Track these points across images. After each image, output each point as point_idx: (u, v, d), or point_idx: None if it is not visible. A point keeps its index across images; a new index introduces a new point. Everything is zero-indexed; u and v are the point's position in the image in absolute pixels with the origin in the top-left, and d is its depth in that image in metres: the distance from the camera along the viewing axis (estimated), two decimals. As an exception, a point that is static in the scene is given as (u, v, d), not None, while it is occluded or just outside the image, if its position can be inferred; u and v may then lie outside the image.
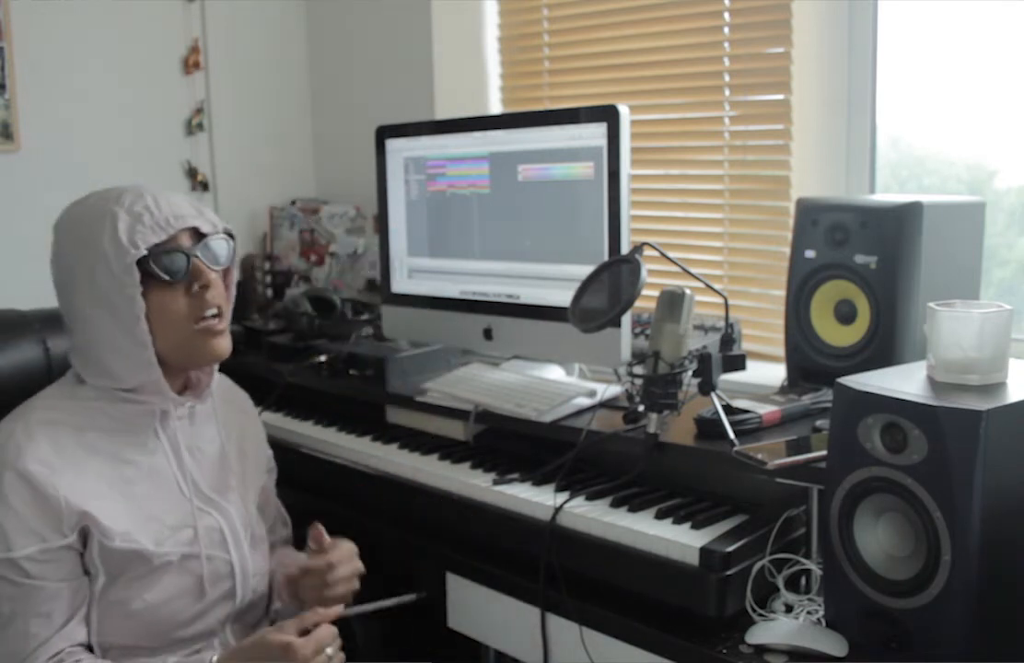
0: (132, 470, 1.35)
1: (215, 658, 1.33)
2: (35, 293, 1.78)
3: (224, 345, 1.38)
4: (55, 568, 1.27)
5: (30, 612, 1.26)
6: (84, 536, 1.29)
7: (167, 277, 1.31)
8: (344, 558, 1.44)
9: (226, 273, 1.42)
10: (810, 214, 1.63)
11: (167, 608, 1.34)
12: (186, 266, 1.33)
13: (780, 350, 1.73)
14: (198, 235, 1.35)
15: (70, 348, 1.39)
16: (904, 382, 1.21)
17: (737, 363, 1.53)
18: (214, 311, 1.36)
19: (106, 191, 1.36)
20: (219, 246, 1.38)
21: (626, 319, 1.70)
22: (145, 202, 1.31)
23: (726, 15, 2.06)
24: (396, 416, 1.98)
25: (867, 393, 1.20)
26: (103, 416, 1.35)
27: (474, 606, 1.61)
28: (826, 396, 1.52)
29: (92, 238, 1.30)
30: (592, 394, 1.75)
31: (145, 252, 1.28)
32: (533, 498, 1.55)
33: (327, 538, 1.44)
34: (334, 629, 1.31)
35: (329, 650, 1.29)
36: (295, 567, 1.47)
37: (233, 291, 1.44)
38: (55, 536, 1.27)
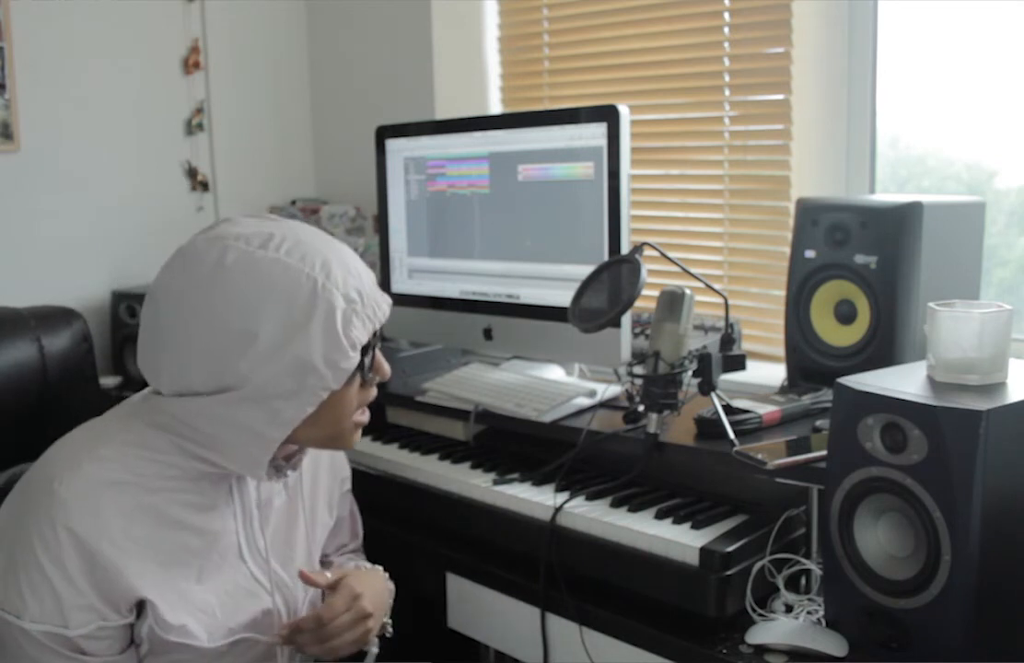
0: (196, 541, 1.19)
1: None
2: (34, 292, 1.78)
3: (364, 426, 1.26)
4: (109, 645, 1.15)
5: None
6: (140, 609, 1.16)
7: (367, 379, 1.20)
8: (338, 610, 1.26)
9: None
10: (810, 214, 1.63)
11: None
12: (371, 365, 1.21)
13: (780, 350, 1.73)
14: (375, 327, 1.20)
15: (168, 376, 1.16)
16: (904, 382, 1.21)
17: (737, 363, 1.53)
18: (374, 393, 1.25)
19: (297, 242, 1.14)
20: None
21: (626, 319, 1.70)
22: (354, 284, 1.15)
23: (726, 15, 2.06)
24: (396, 416, 1.98)
25: (867, 393, 1.20)
26: (175, 472, 1.17)
27: (474, 606, 1.61)
28: (826, 396, 1.52)
29: (295, 311, 1.11)
30: (592, 394, 1.75)
31: (358, 358, 1.14)
32: (533, 498, 1.55)
33: (317, 580, 1.28)
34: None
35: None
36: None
37: None
38: (114, 615, 1.13)
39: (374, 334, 1.20)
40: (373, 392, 1.25)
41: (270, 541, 1.28)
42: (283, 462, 1.27)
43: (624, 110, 1.71)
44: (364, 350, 1.18)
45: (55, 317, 1.64)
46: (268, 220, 1.21)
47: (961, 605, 1.12)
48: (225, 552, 1.23)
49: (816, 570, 1.36)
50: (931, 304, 1.25)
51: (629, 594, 1.40)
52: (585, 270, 1.60)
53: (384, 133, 2.12)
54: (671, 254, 1.59)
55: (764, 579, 1.35)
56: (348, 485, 1.53)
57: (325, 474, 1.44)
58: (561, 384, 1.83)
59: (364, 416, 1.25)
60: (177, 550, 1.18)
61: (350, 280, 1.15)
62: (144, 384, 1.25)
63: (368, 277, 1.20)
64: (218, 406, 1.13)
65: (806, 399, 1.57)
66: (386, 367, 1.24)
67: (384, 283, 2.16)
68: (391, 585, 1.44)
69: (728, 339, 1.54)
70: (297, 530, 1.34)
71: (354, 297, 1.15)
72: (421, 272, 2.09)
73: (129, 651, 1.18)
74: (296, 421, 1.14)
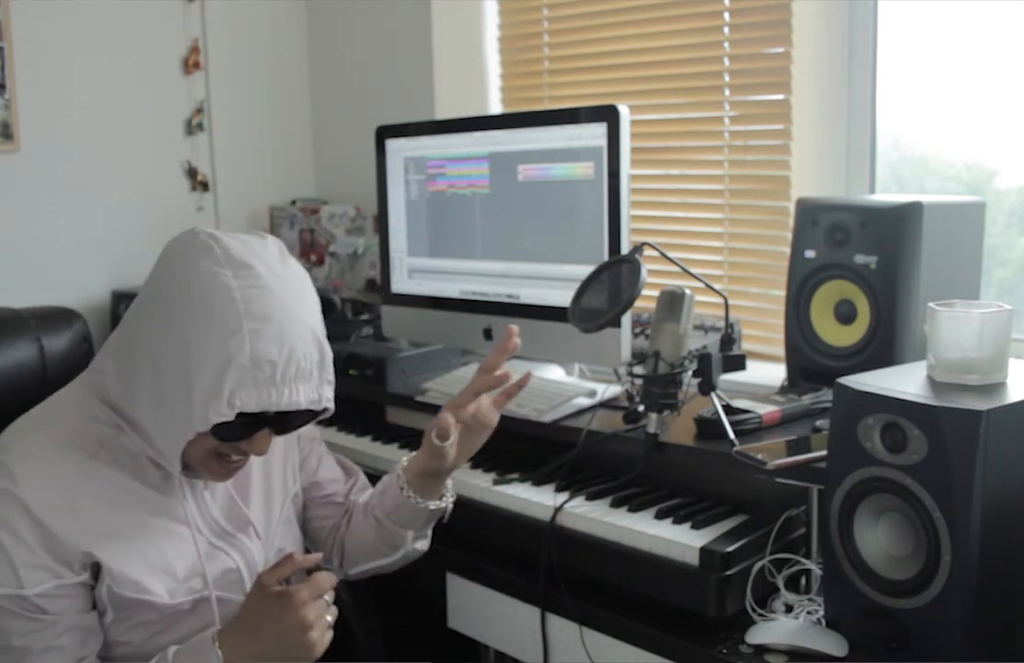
0: (146, 511, 1.25)
1: (215, 631, 1.22)
2: (34, 292, 1.78)
3: (224, 479, 1.29)
4: (70, 603, 1.20)
5: (46, 647, 1.18)
6: (96, 572, 1.21)
7: (225, 438, 1.20)
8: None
9: None
10: (810, 214, 1.63)
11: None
12: (250, 435, 1.21)
13: (780, 350, 1.73)
14: (271, 424, 1.22)
15: (115, 360, 1.26)
16: (904, 382, 1.21)
17: (737, 363, 1.53)
18: (242, 462, 1.27)
19: (260, 290, 1.16)
20: (301, 418, 1.24)
21: (626, 319, 1.70)
22: (275, 358, 1.14)
23: (726, 15, 2.06)
24: (396, 416, 1.98)
25: (867, 393, 1.20)
26: (119, 447, 1.24)
27: (474, 606, 1.61)
28: (826, 396, 1.52)
29: (199, 334, 1.14)
30: (592, 394, 1.75)
31: (232, 417, 1.14)
32: (533, 498, 1.55)
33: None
34: (332, 576, 1.25)
35: (327, 597, 1.24)
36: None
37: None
38: (68, 573, 1.18)
39: (269, 414, 1.18)
40: (233, 459, 1.25)
41: (223, 508, 1.34)
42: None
43: (624, 110, 1.71)
44: (233, 431, 1.18)
45: (55, 317, 1.64)
46: (267, 245, 1.22)
47: (961, 605, 1.12)
48: (174, 522, 1.28)
49: (816, 570, 1.36)
50: (931, 304, 1.25)
51: (629, 594, 1.40)
52: (585, 270, 1.60)
53: (384, 133, 2.12)
54: (671, 254, 1.59)
55: (764, 579, 1.35)
56: (308, 437, 1.52)
57: (279, 440, 1.40)
58: (561, 384, 1.83)
59: (232, 468, 1.26)
60: (125, 515, 1.23)
61: (275, 347, 1.14)
62: None
63: (307, 362, 1.18)
64: (141, 393, 1.20)
65: (806, 399, 1.57)
66: (264, 446, 1.23)
67: (384, 283, 2.16)
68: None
69: (728, 339, 1.54)
70: (251, 502, 1.38)
71: (263, 366, 1.13)
72: (421, 272, 2.09)
73: (93, 613, 1.23)
74: (181, 437, 1.17)
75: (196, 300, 1.15)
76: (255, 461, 1.37)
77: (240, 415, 1.14)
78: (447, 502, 1.47)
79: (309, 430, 1.52)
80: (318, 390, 1.21)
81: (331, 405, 1.24)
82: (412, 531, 1.46)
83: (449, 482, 1.48)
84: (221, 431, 1.17)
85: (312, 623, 1.20)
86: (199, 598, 1.27)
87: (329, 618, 1.24)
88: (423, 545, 1.50)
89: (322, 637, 1.22)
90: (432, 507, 1.45)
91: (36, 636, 1.18)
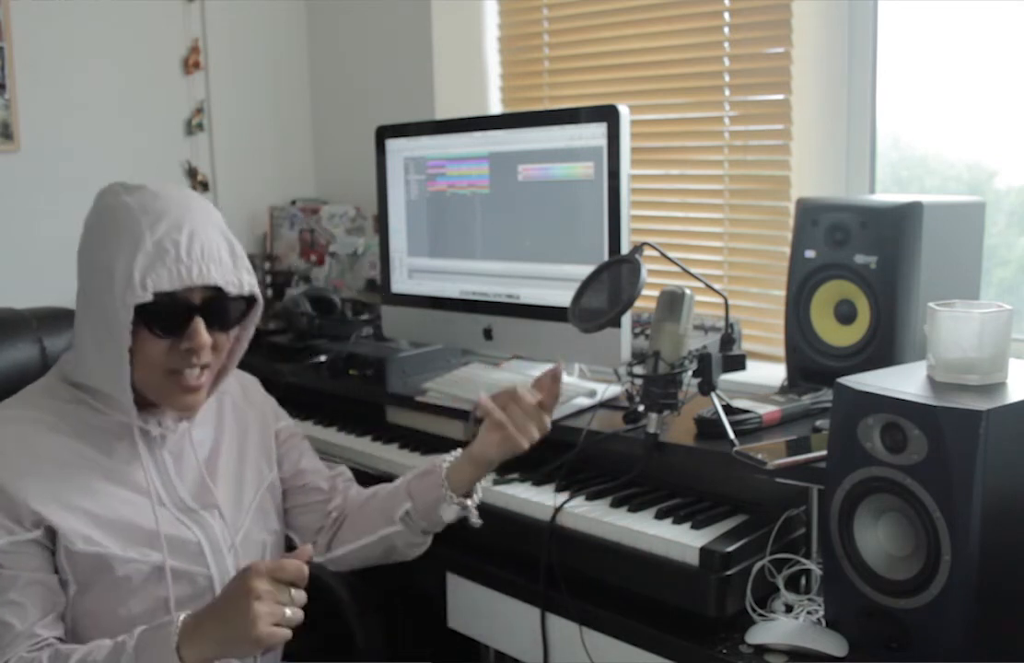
0: (103, 479, 1.30)
1: (181, 617, 1.20)
2: (34, 292, 1.78)
3: (193, 401, 1.33)
4: (27, 560, 1.23)
5: (5, 602, 1.22)
6: (51, 535, 1.25)
7: (158, 332, 1.26)
8: None
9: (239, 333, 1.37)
10: (810, 214, 1.63)
11: (141, 622, 1.25)
12: (183, 325, 1.27)
13: (780, 350, 1.73)
14: (216, 291, 1.28)
15: (71, 340, 1.38)
16: (904, 382, 1.21)
17: (737, 363, 1.53)
18: (196, 371, 1.30)
19: (155, 196, 1.27)
20: (233, 308, 1.31)
21: (626, 319, 1.70)
22: (177, 238, 1.23)
23: (726, 15, 2.06)
24: (396, 416, 1.98)
25: (867, 393, 1.20)
26: (79, 420, 1.31)
27: (474, 606, 1.61)
28: (826, 396, 1.51)
29: (108, 249, 1.25)
30: (592, 394, 1.75)
31: (151, 298, 1.21)
32: (533, 498, 1.55)
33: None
34: (301, 566, 1.20)
35: (293, 592, 1.18)
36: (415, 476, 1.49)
37: (242, 349, 1.40)
38: (21, 530, 1.23)
39: (200, 296, 1.27)
40: (192, 360, 1.29)
41: (191, 485, 1.37)
42: (162, 417, 1.36)
43: (624, 110, 1.71)
44: (170, 314, 1.25)
45: (56, 318, 1.65)
46: (167, 184, 1.34)
47: (961, 605, 1.12)
48: (135, 492, 1.32)
49: (816, 570, 1.36)
50: (931, 304, 1.25)
51: (629, 594, 1.40)
52: (585, 270, 1.60)
53: (384, 133, 2.12)
54: (671, 254, 1.59)
55: (764, 579, 1.35)
56: (288, 432, 1.57)
57: (255, 429, 1.51)
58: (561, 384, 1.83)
59: (192, 379, 1.30)
60: (83, 482, 1.28)
61: (176, 233, 1.24)
62: None
63: (211, 243, 1.26)
64: (81, 346, 1.31)
65: (806, 399, 1.57)
66: (202, 337, 1.27)
67: (384, 283, 2.16)
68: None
69: (728, 339, 1.54)
70: (218, 483, 1.40)
71: (168, 248, 1.23)
72: (421, 272, 2.09)
73: (53, 576, 1.26)
74: (122, 349, 1.23)
75: (104, 228, 1.28)
76: (227, 446, 1.44)
77: (162, 301, 1.22)
78: (463, 509, 1.47)
79: (288, 427, 1.58)
80: (235, 275, 1.28)
81: (257, 293, 1.33)
82: (409, 505, 1.47)
83: (476, 497, 1.49)
84: (150, 321, 1.24)
85: (259, 615, 1.14)
86: (157, 566, 1.29)
87: (289, 613, 1.17)
88: (409, 542, 1.49)
89: (268, 632, 1.14)
90: (449, 499, 1.45)
91: None
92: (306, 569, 1.21)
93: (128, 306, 1.21)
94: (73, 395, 1.33)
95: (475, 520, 1.48)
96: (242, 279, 1.29)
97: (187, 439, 1.40)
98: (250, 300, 1.35)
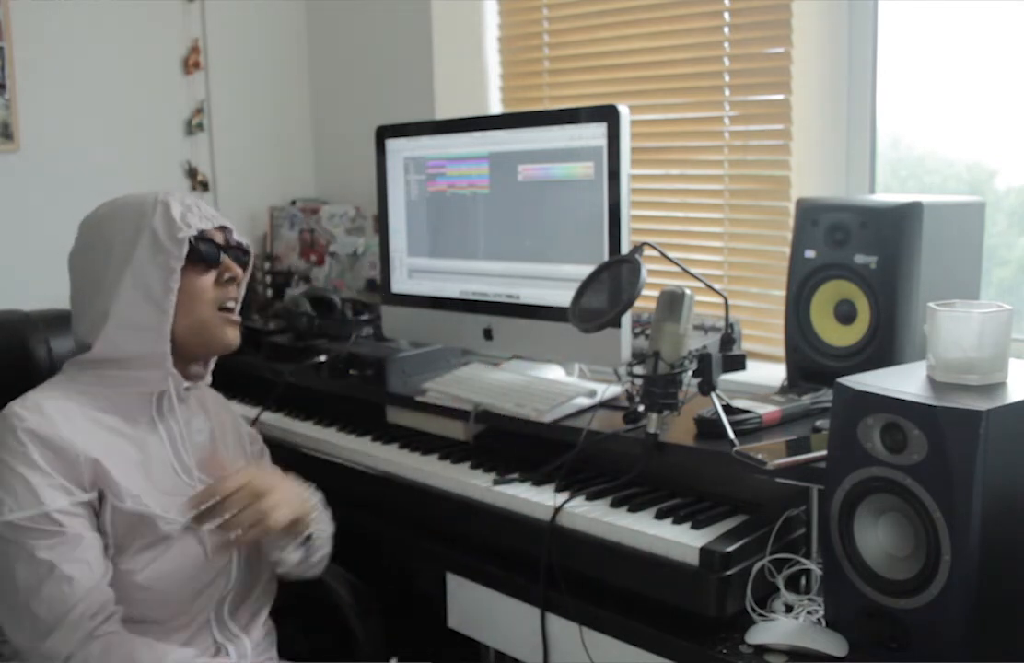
0: (133, 446, 1.41)
1: None
2: (34, 292, 1.79)
3: (237, 336, 1.51)
4: (82, 522, 1.32)
5: (72, 559, 1.29)
6: (100, 497, 1.35)
7: (208, 260, 1.45)
8: (229, 486, 1.33)
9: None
10: (810, 214, 1.63)
11: (172, 580, 1.38)
12: (219, 257, 1.47)
13: (780, 350, 1.73)
14: (226, 232, 1.51)
15: (81, 328, 1.46)
16: (904, 382, 1.21)
17: (737, 363, 1.53)
18: (233, 303, 1.50)
19: (147, 192, 1.47)
20: (241, 250, 1.54)
21: (626, 319, 1.70)
22: (189, 200, 1.46)
23: (726, 15, 2.06)
24: (396, 416, 1.98)
25: (867, 393, 1.20)
26: (103, 399, 1.42)
27: (474, 606, 1.61)
28: (826, 396, 1.52)
29: (142, 215, 1.42)
30: (592, 394, 1.75)
31: (195, 232, 1.42)
32: (533, 498, 1.55)
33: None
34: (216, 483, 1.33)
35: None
36: None
37: (242, 294, 1.56)
38: (80, 491, 1.33)
39: (221, 237, 1.49)
40: (232, 292, 1.50)
41: (198, 463, 1.49)
42: (184, 377, 1.48)
43: (624, 110, 1.71)
44: (211, 246, 1.46)
45: (63, 320, 1.65)
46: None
47: (961, 605, 1.12)
48: (160, 463, 1.44)
49: (816, 570, 1.36)
50: (931, 304, 1.25)
51: (629, 594, 1.40)
52: (585, 270, 1.60)
53: (384, 133, 2.12)
54: (671, 254, 1.59)
55: (764, 579, 1.35)
56: (255, 437, 1.70)
57: (232, 431, 1.63)
58: (561, 384, 1.83)
59: (234, 317, 1.50)
60: (119, 447, 1.39)
61: (185, 198, 1.47)
62: None
63: (207, 204, 1.51)
64: (114, 322, 1.40)
65: (806, 399, 1.57)
66: (236, 268, 1.50)
67: (384, 283, 2.16)
68: (312, 496, 1.52)
69: (728, 339, 1.54)
70: (217, 466, 1.46)
71: (189, 203, 1.45)
72: (421, 272, 2.09)
73: (98, 537, 1.34)
74: (171, 290, 1.39)
75: (115, 216, 1.45)
76: (220, 432, 1.57)
77: (202, 239, 1.44)
78: (301, 546, 1.50)
79: (254, 432, 1.71)
80: (228, 222, 1.52)
81: (249, 244, 1.56)
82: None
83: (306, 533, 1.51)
84: (196, 258, 1.43)
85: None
86: (186, 526, 1.38)
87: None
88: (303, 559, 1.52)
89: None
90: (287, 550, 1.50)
91: (60, 550, 1.29)
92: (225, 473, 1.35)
93: (181, 241, 1.40)
94: (93, 376, 1.43)
95: (317, 543, 1.53)
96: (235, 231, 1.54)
97: (191, 424, 1.51)
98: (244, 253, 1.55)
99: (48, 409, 1.36)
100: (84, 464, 1.33)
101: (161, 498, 1.40)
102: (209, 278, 1.47)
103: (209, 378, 1.57)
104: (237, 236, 1.53)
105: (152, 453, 1.43)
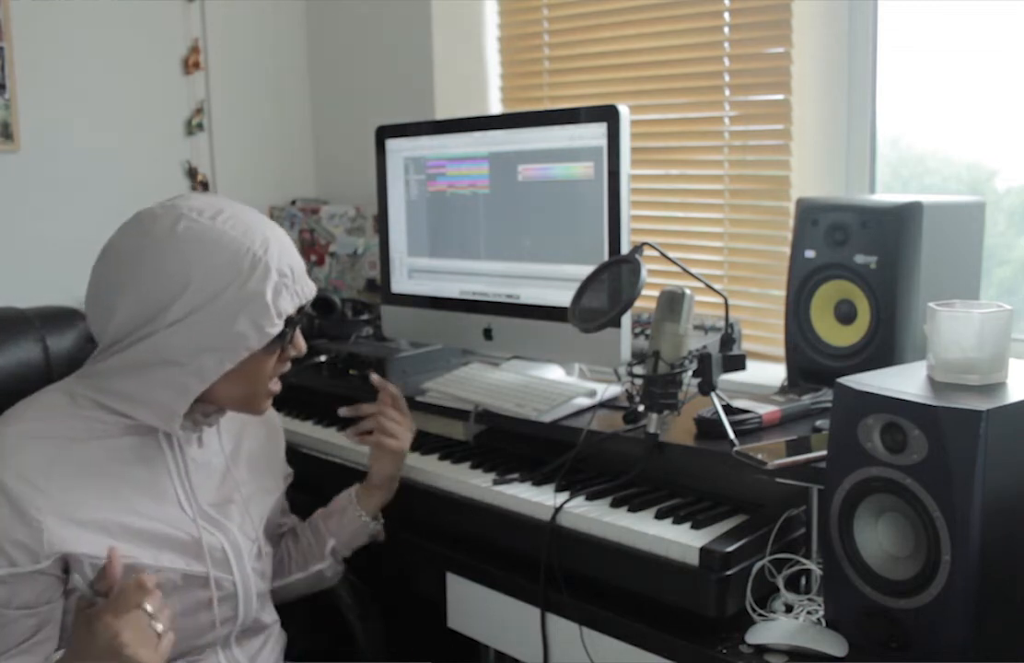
0: (130, 487, 1.28)
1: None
2: (35, 292, 1.78)
3: (269, 404, 1.41)
4: (17, 594, 1.19)
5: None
6: (65, 564, 1.21)
7: (285, 349, 1.34)
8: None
9: None
10: (810, 214, 1.63)
11: (179, 625, 1.26)
12: (291, 337, 1.35)
13: (780, 350, 1.73)
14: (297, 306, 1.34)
15: (101, 360, 1.30)
16: (904, 382, 1.21)
17: (737, 363, 1.53)
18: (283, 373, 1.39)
19: (239, 217, 1.29)
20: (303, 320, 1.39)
21: (626, 319, 1.70)
22: (287, 261, 1.29)
23: (726, 15, 2.06)
24: (396, 416, 1.98)
25: (867, 393, 1.20)
26: (101, 425, 1.28)
27: (474, 606, 1.61)
28: (826, 396, 1.52)
29: (236, 271, 1.24)
30: (592, 394, 1.75)
31: (282, 326, 1.28)
32: (533, 498, 1.55)
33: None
34: (149, 578, 1.19)
35: (152, 605, 1.17)
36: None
37: None
38: (26, 561, 1.18)
39: (299, 310, 1.33)
40: (287, 365, 1.38)
41: (209, 497, 1.38)
42: (200, 418, 1.35)
43: (624, 110, 1.71)
44: (288, 323, 1.31)
45: (59, 317, 1.65)
46: (219, 198, 1.34)
47: (961, 605, 1.12)
48: (163, 500, 1.31)
49: (816, 570, 1.36)
50: (931, 304, 1.25)
51: (629, 594, 1.40)
52: (585, 270, 1.60)
53: (384, 133, 2.12)
54: (671, 254, 1.59)
55: (764, 579, 1.35)
56: (288, 477, 1.62)
57: (263, 451, 1.52)
58: (561, 384, 1.83)
59: (276, 386, 1.39)
60: (111, 497, 1.25)
61: (284, 257, 1.29)
62: None
63: (299, 261, 1.33)
64: (139, 356, 1.25)
65: (806, 399, 1.57)
66: (302, 344, 1.37)
67: (384, 283, 2.16)
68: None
69: (728, 339, 1.54)
70: (233, 490, 1.42)
71: (286, 272, 1.28)
72: (421, 272, 2.09)
73: (49, 606, 1.21)
74: (216, 375, 1.25)
75: (197, 253, 1.25)
76: (240, 454, 1.46)
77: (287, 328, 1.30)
78: (377, 533, 1.62)
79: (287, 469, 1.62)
80: (310, 281, 1.36)
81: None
82: (334, 541, 1.58)
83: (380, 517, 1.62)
84: (279, 341, 1.30)
85: (127, 640, 1.13)
86: (186, 573, 1.30)
87: (158, 627, 1.17)
88: (332, 571, 1.59)
89: (146, 648, 1.14)
90: (369, 527, 1.59)
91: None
92: (152, 580, 1.20)
93: (266, 334, 1.26)
94: (97, 401, 1.29)
95: (382, 537, 1.63)
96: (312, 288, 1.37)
97: (205, 447, 1.39)
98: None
99: (30, 453, 1.21)
100: (46, 543, 1.18)
101: (159, 546, 1.27)
102: (273, 358, 1.33)
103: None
104: (309, 283, 1.34)
105: (155, 489, 1.30)
